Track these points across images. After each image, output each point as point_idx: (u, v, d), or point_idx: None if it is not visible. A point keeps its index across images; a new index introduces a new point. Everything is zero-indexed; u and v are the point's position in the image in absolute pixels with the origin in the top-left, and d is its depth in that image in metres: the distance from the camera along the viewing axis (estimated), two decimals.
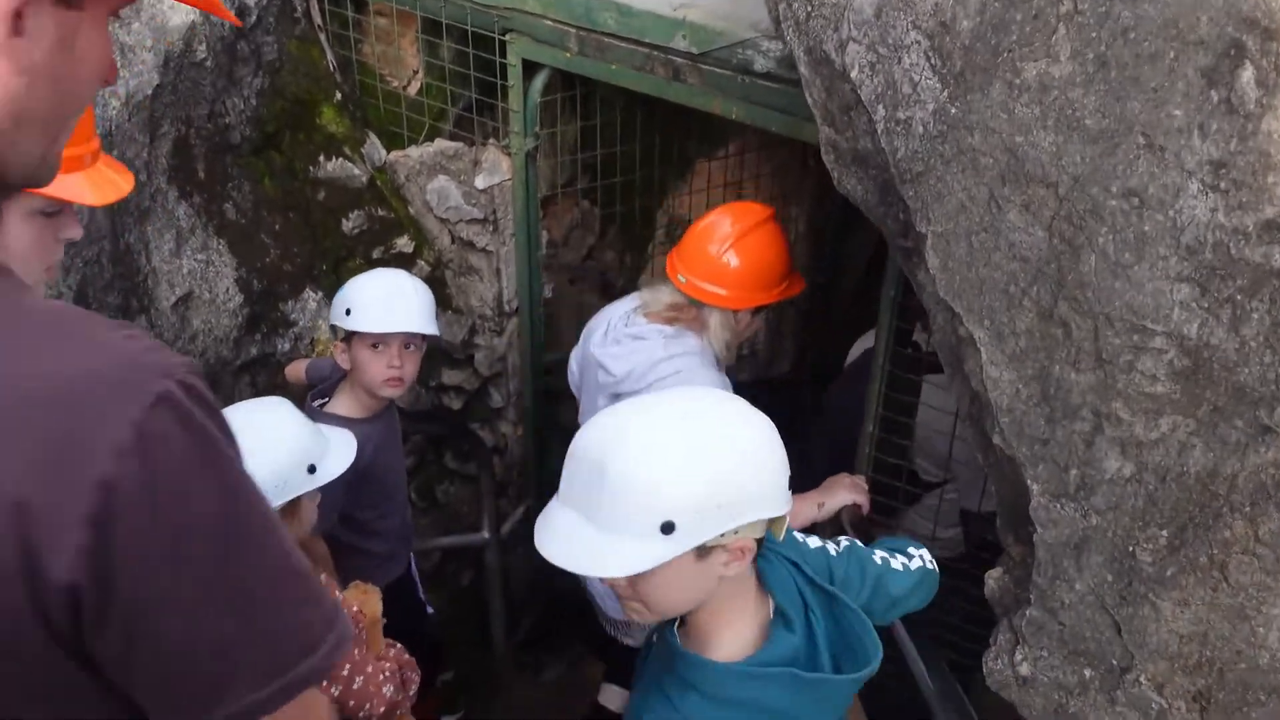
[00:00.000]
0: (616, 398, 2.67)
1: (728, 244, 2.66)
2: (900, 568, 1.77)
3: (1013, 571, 2.02)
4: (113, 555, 0.80)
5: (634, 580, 1.41)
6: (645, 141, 3.49)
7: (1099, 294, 1.65)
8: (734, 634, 1.51)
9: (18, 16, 0.82)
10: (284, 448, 2.17)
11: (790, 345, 4.53)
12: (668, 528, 1.34)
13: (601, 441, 1.39)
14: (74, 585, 0.79)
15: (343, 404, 2.80)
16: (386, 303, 2.68)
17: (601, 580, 1.46)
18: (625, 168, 3.51)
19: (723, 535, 1.38)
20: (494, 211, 3.34)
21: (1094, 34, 1.59)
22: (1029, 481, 1.83)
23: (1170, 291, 1.59)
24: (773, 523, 1.48)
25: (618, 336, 2.77)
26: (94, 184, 1.54)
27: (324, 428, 2.36)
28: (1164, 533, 1.74)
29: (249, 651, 0.89)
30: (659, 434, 1.38)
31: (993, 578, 2.05)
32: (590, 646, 3.77)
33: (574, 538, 1.38)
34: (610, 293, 3.99)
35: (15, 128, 0.87)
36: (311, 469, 2.22)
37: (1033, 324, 1.74)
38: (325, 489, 2.55)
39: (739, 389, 4.18)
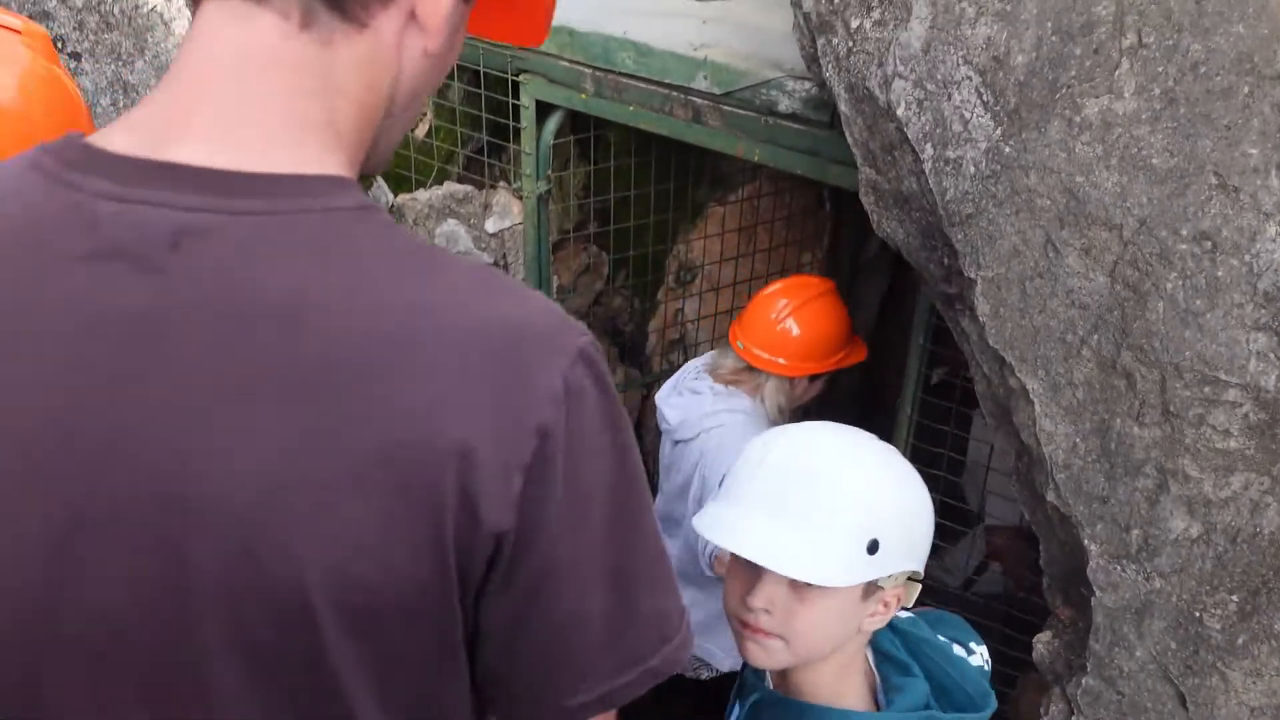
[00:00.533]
0: (674, 445, 2.88)
1: (786, 313, 2.78)
2: (959, 655, 1.62)
3: (1062, 635, 1.91)
4: (537, 506, 0.76)
5: (791, 610, 1.35)
6: (656, 186, 3.42)
7: (1166, 343, 1.56)
8: (855, 687, 1.44)
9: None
10: None
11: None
12: (873, 547, 1.31)
13: (810, 451, 1.38)
14: (501, 534, 0.75)
15: None
16: None
17: (743, 606, 1.37)
18: (635, 213, 3.43)
19: (893, 576, 1.36)
20: (504, 255, 3.25)
21: (1160, 69, 1.51)
22: (1086, 541, 1.72)
23: (1246, 341, 1.50)
24: (908, 586, 1.45)
25: (680, 389, 2.95)
26: None
27: None
28: (1234, 598, 1.63)
29: (621, 632, 0.83)
30: (871, 454, 1.40)
31: (1041, 642, 1.94)
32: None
33: (772, 539, 1.32)
34: (619, 339, 3.90)
35: (405, 107, 0.89)
36: None
37: (1092, 375, 1.65)
38: None
39: None
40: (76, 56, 2.46)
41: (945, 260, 1.82)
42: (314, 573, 0.73)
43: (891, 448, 1.45)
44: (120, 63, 2.53)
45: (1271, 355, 1.49)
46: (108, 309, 0.75)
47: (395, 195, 3.34)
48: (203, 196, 0.75)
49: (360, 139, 0.85)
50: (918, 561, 1.40)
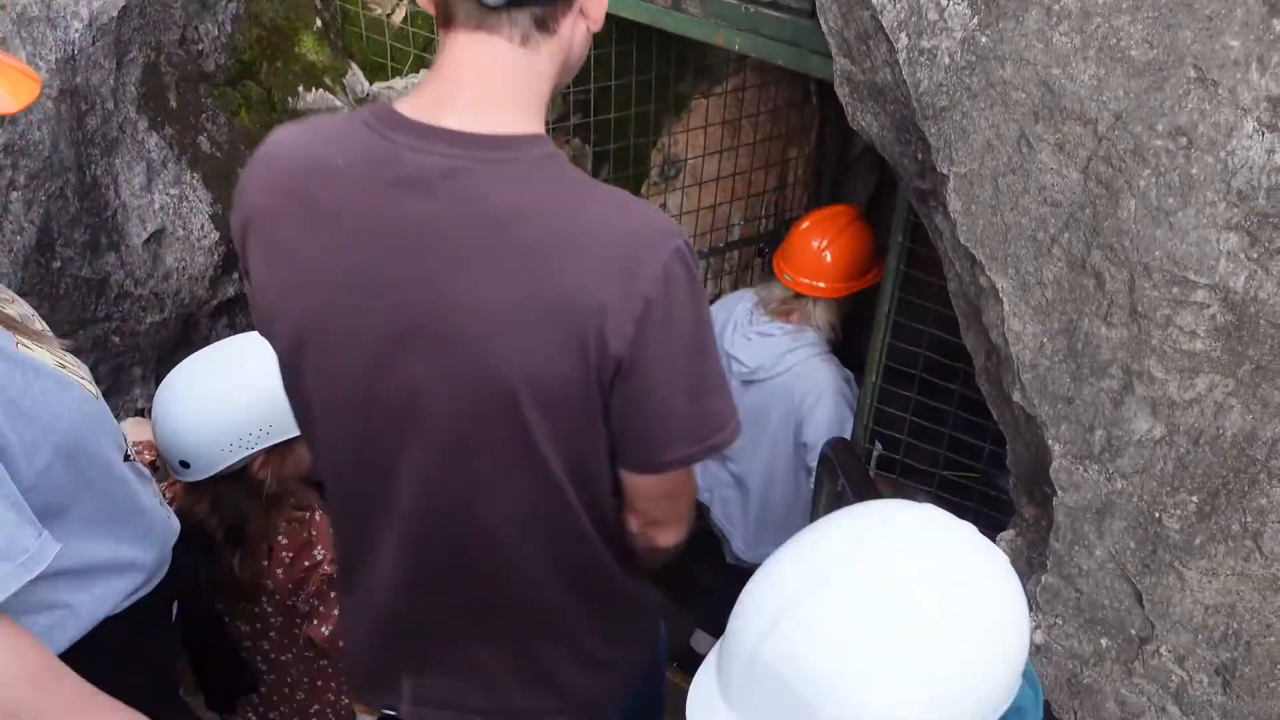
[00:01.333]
0: (747, 384, 3.18)
1: (825, 244, 3.13)
2: None
3: (1025, 534, 1.92)
4: (641, 343, 1.25)
5: None
6: (638, 76, 3.33)
7: (1137, 242, 1.53)
8: None
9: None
10: (268, 389, 2.01)
11: None
12: None
13: (795, 661, 1.01)
14: (620, 358, 1.26)
15: None
16: None
17: None
18: (618, 104, 3.35)
19: None
20: None
21: None
22: (1050, 442, 1.72)
23: (1217, 240, 1.47)
24: None
25: (746, 333, 3.23)
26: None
27: None
28: (1194, 499, 1.63)
29: (693, 422, 1.35)
30: (877, 649, 1.00)
31: (1004, 540, 1.95)
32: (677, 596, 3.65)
33: None
34: None
35: (571, 69, 1.38)
36: None
37: (1062, 274, 1.62)
38: None
39: None
40: None
41: (919, 155, 1.78)
42: (517, 374, 1.27)
43: (957, 575, 1.05)
44: None
45: (1242, 255, 1.46)
46: (405, 213, 1.26)
47: (371, 84, 3.26)
48: (461, 149, 1.25)
49: (548, 100, 1.34)
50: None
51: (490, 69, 1.26)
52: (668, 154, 3.83)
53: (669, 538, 1.52)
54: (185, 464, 2.01)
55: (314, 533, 2.12)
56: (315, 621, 2.12)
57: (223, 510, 2.01)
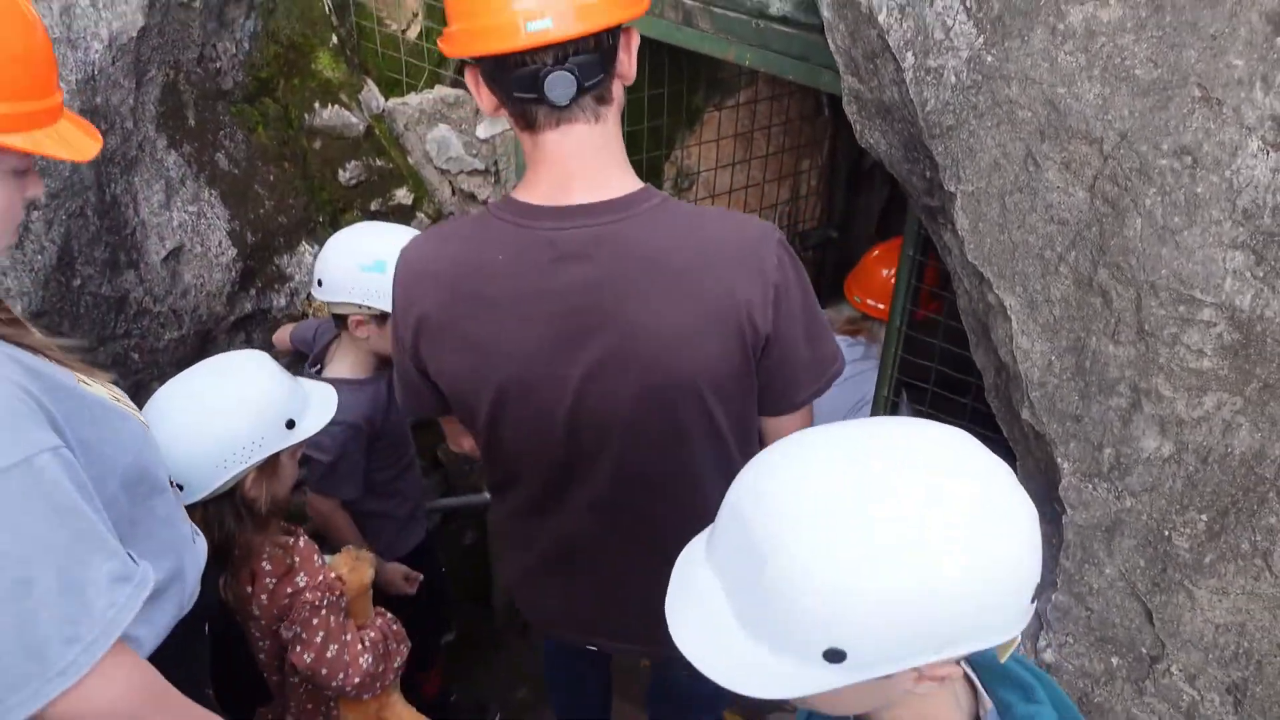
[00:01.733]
0: None
1: (891, 272, 3.24)
2: None
3: None
4: (778, 318, 1.64)
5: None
6: (652, 90, 3.35)
7: (1143, 261, 1.53)
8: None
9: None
10: (259, 403, 2.06)
11: None
12: (833, 656, 0.96)
13: (762, 509, 1.00)
14: (767, 334, 1.65)
15: (344, 367, 2.67)
16: None
17: None
18: (631, 118, 3.37)
19: (938, 654, 0.97)
20: (495, 162, 3.21)
21: None
22: (1059, 460, 1.72)
23: (1223, 259, 1.47)
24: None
25: None
26: (64, 140, 1.41)
27: (304, 382, 2.24)
28: (1203, 517, 1.63)
29: (816, 364, 1.75)
30: (842, 519, 0.95)
31: None
32: None
33: (713, 628, 1.03)
34: None
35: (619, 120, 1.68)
36: (290, 424, 2.10)
37: (1069, 292, 1.62)
38: (346, 454, 2.58)
39: None
40: None
41: (927, 173, 1.78)
42: (698, 372, 1.65)
43: (960, 486, 0.97)
44: None
45: (1248, 274, 1.46)
46: (573, 279, 1.62)
47: (386, 100, 3.29)
48: (596, 217, 1.61)
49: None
50: (973, 643, 0.97)
51: (584, 149, 1.60)
52: (681, 167, 3.84)
53: None
54: (180, 486, 1.97)
55: (296, 559, 2.10)
56: (299, 649, 2.10)
57: (211, 531, 1.98)
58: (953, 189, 1.68)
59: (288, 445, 2.10)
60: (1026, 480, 1.90)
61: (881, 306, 3.31)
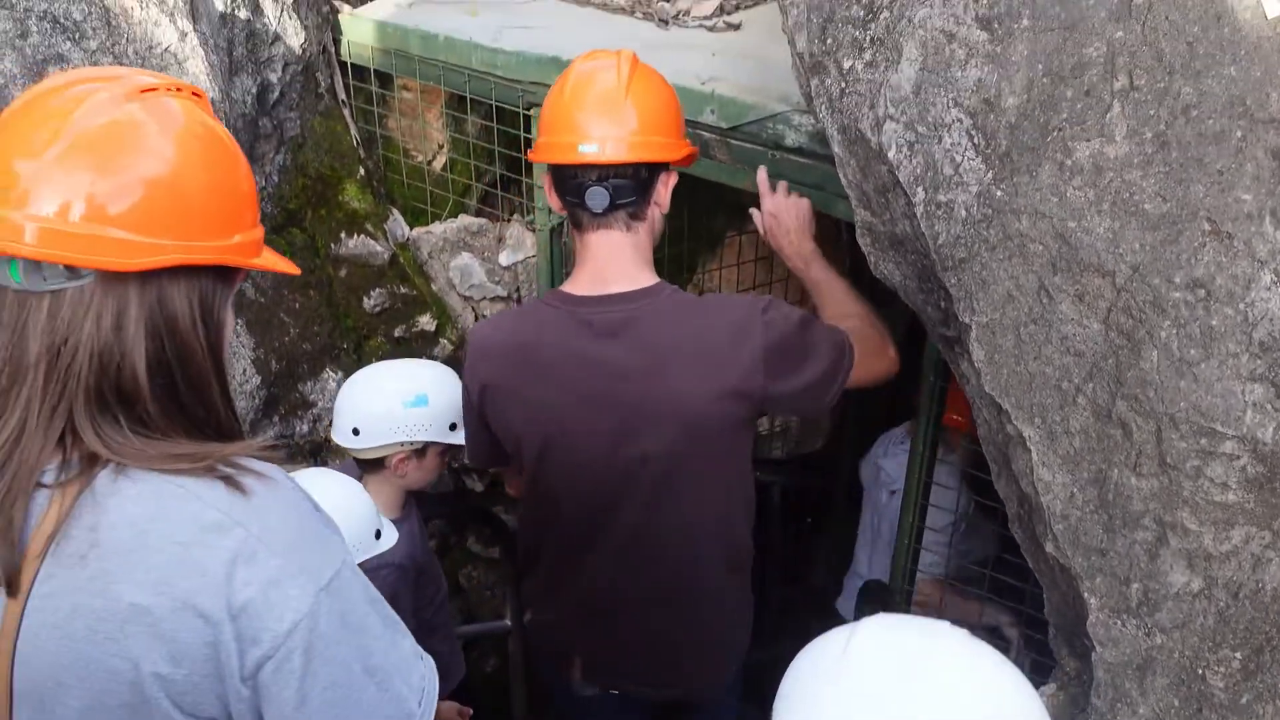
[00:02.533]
0: (892, 493, 3.37)
1: None
2: None
3: (1068, 688, 1.86)
4: (770, 374, 2.04)
5: None
6: (674, 216, 3.40)
7: (1162, 393, 1.51)
8: None
9: None
10: (356, 513, 2.29)
11: (825, 422, 4.38)
12: None
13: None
14: (765, 389, 2.06)
15: (380, 508, 2.60)
16: None
17: None
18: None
19: None
20: (518, 289, 3.25)
21: (1152, 112, 1.47)
22: (1086, 594, 1.68)
23: (1242, 392, 1.45)
24: None
25: (895, 450, 3.49)
26: (279, 257, 1.39)
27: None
28: (1237, 655, 1.58)
29: (827, 376, 2.12)
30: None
31: (1045, 694, 1.88)
32: None
33: None
34: None
35: (658, 235, 2.30)
36: (377, 534, 2.35)
37: (1088, 424, 1.60)
38: (397, 596, 2.55)
39: (773, 466, 4.09)
40: None
41: (941, 304, 1.78)
42: (712, 427, 2.10)
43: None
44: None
45: (1268, 406, 1.44)
46: (606, 353, 2.08)
47: (411, 229, 3.35)
48: (626, 304, 2.09)
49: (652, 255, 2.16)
50: None
51: (617, 250, 2.11)
52: (703, 289, 3.87)
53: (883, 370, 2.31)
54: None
55: None
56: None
57: None
58: (967, 320, 1.68)
59: (373, 554, 2.33)
60: (1053, 614, 1.86)
61: (958, 418, 3.06)
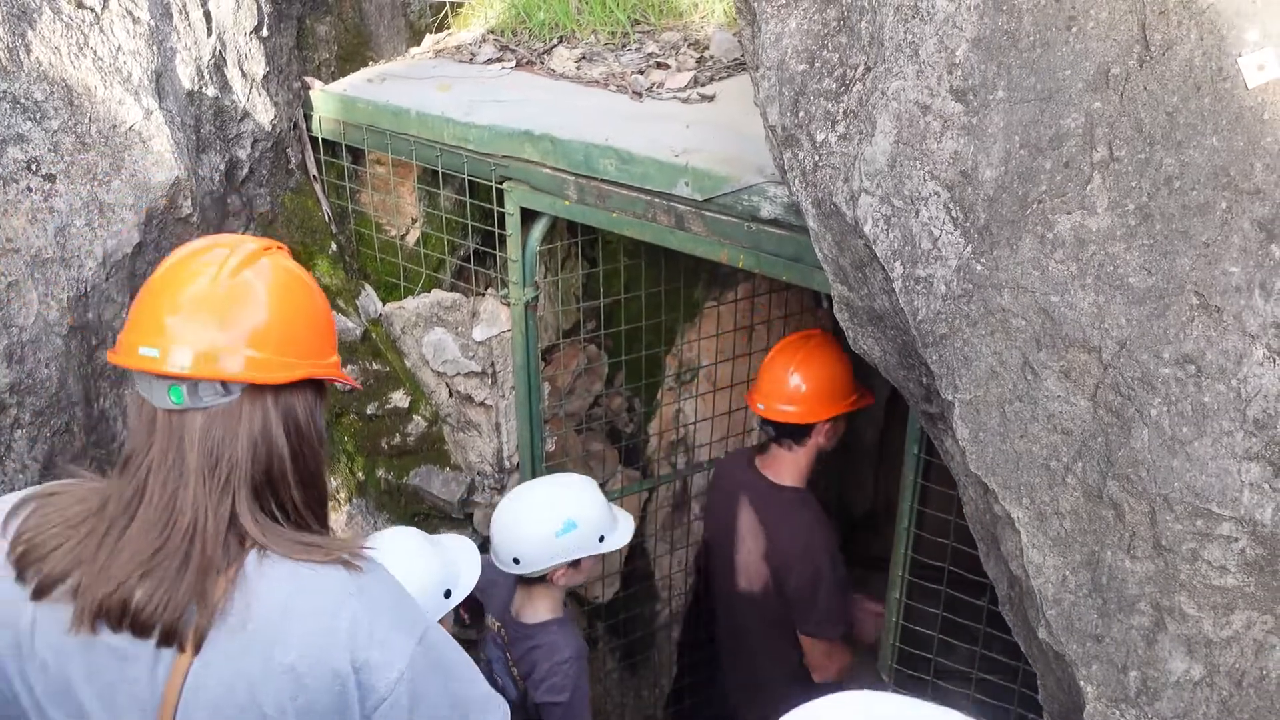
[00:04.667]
0: None
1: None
2: None
3: None
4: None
5: None
6: (652, 287, 3.36)
7: (1154, 473, 1.45)
8: None
9: None
10: (421, 577, 2.35)
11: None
12: None
13: None
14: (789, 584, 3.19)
15: (547, 608, 2.81)
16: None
17: None
18: (633, 314, 3.37)
19: None
20: (493, 364, 3.19)
21: (1134, 183, 1.43)
22: (1081, 682, 1.60)
23: (1238, 471, 1.40)
24: None
25: None
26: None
27: (444, 541, 2.58)
28: None
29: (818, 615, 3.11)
30: None
31: None
32: None
33: None
34: (620, 440, 3.81)
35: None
36: (447, 594, 2.44)
37: (1079, 504, 1.54)
38: (578, 688, 2.79)
39: None
40: (51, 178, 2.44)
41: (923, 379, 1.73)
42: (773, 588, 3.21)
43: None
44: (96, 183, 2.51)
45: (1266, 486, 1.38)
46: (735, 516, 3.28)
47: (384, 304, 3.29)
48: (763, 493, 3.23)
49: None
50: None
51: (786, 460, 3.15)
52: (682, 360, 3.82)
53: None
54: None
55: None
56: None
57: None
58: (950, 397, 1.63)
59: (444, 612, 2.42)
60: (1048, 701, 1.78)
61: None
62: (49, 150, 2.45)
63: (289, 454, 1.46)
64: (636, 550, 3.87)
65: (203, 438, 1.41)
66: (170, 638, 1.40)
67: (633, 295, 3.34)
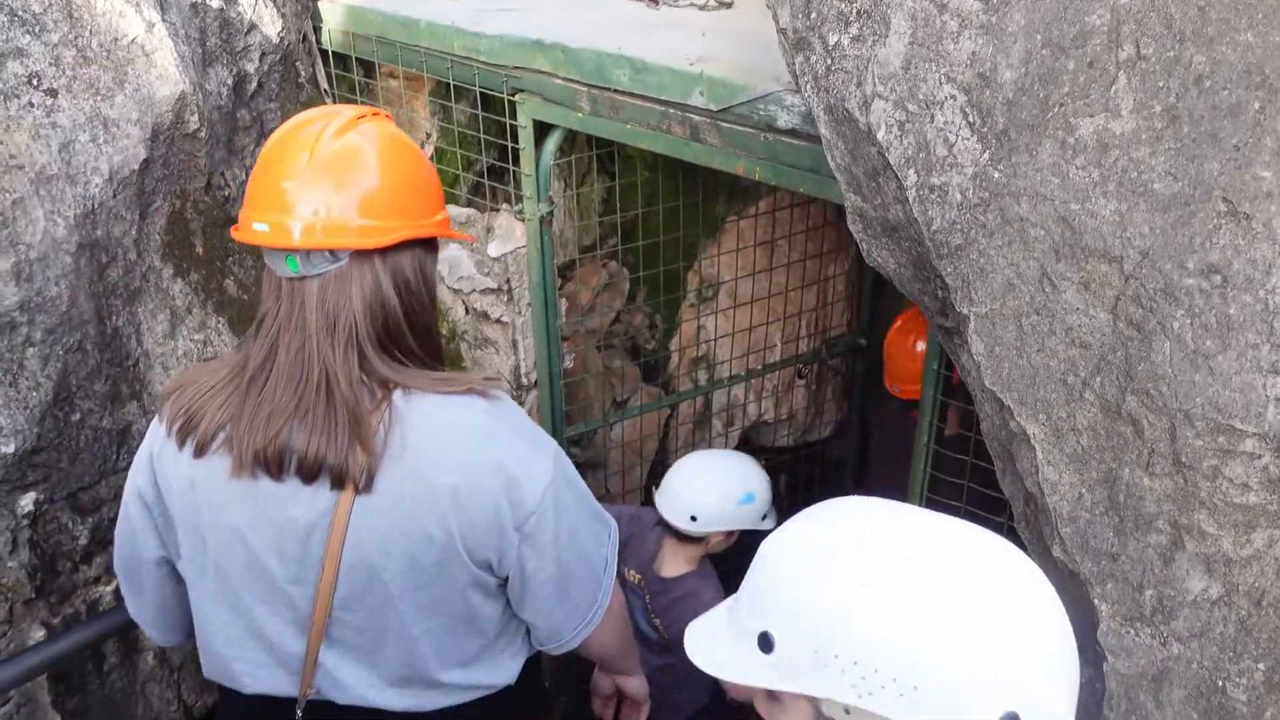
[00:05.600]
0: None
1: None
2: None
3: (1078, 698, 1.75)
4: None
5: (760, 702, 1.11)
6: (671, 202, 3.29)
7: (1175, 387, 1.40)
8: None
9: None
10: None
11: (831, 411, 4.27)
12: (764, 642, 1.03)
13: (779, 541, 1.12)
14: None
15: (687, 562, 3.04)
16: None
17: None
18: (654, 228, 3.31)
19: (860, 700, 0.97)
20: (508, 280, 3.15)
21: (1161, 83, 1.35)
22: (1096, 601, 1.57)
23: (1263, 386, 1.34)
24: None
25: None
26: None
27: None
28: (1261, 666, 1.47)
29: None
30: (834, 541, 1.05)
31: None
32: None
33: (709, 622, 1.16)
34: (641, 358, 3.78)
35: None
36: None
37: (1097, 420, 1.49)
38: None
39: (778, 453, 4.00)
40: (53, 93, 2.39)
41: (939, 293, 1.67)
42: None
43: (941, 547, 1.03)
44: (99, 98, 2.47)
45: None
46: None
47: None
48: None
49: None
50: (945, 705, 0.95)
51: None
52: (704, 276, 3.77)
53: None
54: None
55: None
56: None
57: None
58: (965, 311, 1.58)
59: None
60: None
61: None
62: (50, 64, 2.40)
63: (401, 311, 1.58)
64: (659, 466, 3.86)
65: (319, 301, 1.53)
66: (340, 480, 1.54)
67: (652, 210, 3.28)
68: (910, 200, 1.57)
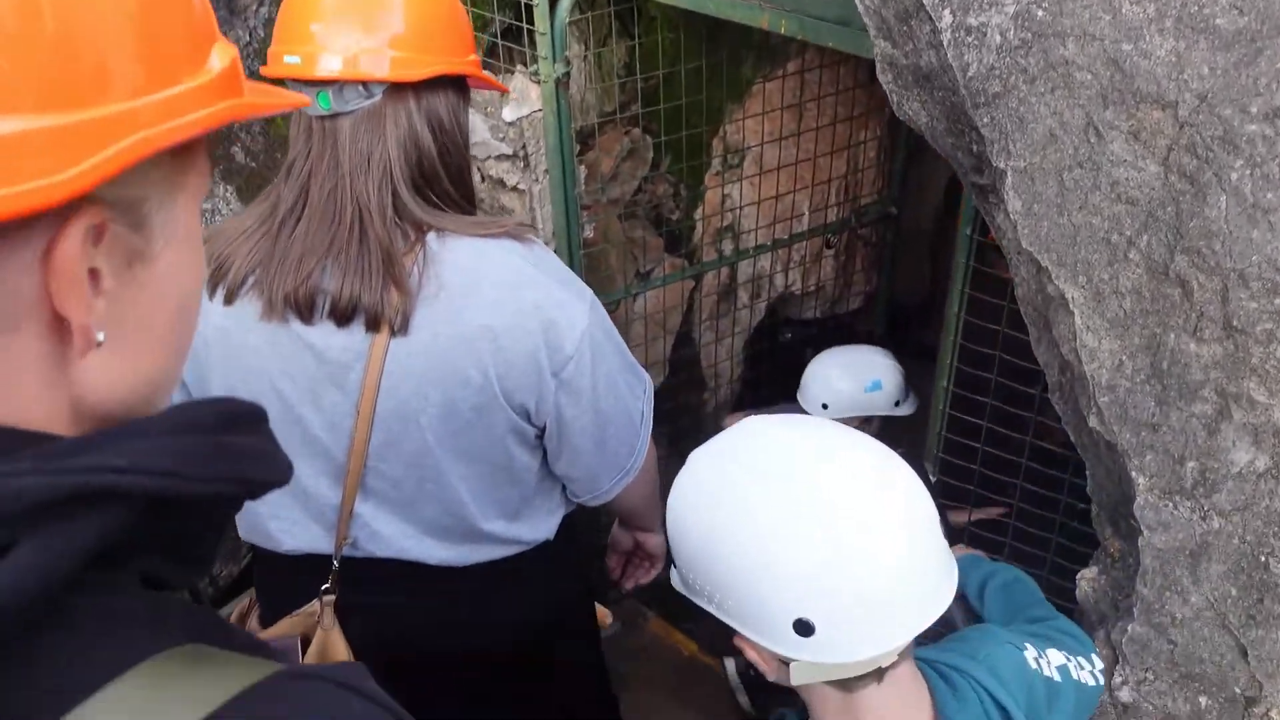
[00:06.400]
0: None
1: None
2: (1086, 679, 1.42)
3: (1110, 571, 1.69)
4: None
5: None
6: (690, 64, 3.13)
7: (1230, 245, 1.29)
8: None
9: None
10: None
11: (861, 282, 4.16)
12: (674, 560, 1.26)
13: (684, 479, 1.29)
14: None
15: None
16: None
17: None
18: (678, 91, 3.16)
19: (715, 611, 1.21)
20: (524, 146, 3.03)
21: None
22: (1133, 473, 1.49)
23: None
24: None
25: None
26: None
27: None
28: None
29: None
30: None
31: (1086, 579, 1.72)
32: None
33: None
34: (665, 227, 3.67)
35: None
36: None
37: (1141, 282, 1.39)
38: None
39: (804, 325, 3.90)
40: None
41: (974, 147, 1.56)
42: None
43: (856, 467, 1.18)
44: None
45: None
46: None
47: None
48: None
49: None
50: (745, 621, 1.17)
51: None
52: (728, 143, 3.62)
53: None
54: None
55: None
56: None
57: None
58: (1002, 165, 1.46)
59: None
60: (1096, 491, 1.68)
61: None
62: None
63: (435, 151, 1.55)
64: (683, 339, 3.79)
65: (352, 140, 1.50)
66: (374, 321, 1.51)
67: (675, 71, 3.12)
68: (944, 44, 1.44)
